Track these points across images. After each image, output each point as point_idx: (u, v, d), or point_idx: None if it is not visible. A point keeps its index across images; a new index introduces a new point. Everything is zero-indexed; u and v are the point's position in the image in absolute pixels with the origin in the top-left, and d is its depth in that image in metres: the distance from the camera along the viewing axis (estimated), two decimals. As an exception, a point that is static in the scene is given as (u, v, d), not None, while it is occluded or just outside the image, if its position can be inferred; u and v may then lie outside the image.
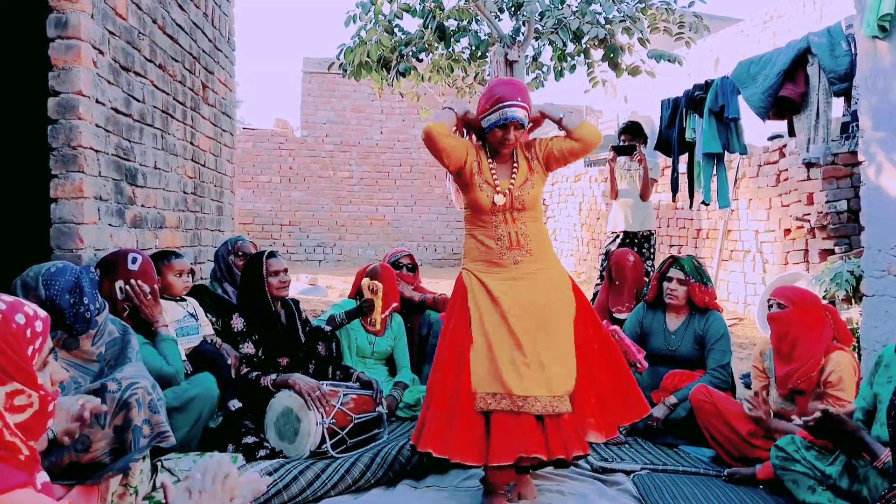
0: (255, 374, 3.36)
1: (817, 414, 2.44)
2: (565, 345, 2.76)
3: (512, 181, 2.83)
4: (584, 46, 6.64)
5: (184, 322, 3.38)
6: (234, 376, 3.34)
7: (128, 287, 2.82)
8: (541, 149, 2.90)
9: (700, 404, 3.34)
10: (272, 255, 3.54)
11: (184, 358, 3.19)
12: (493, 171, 2.84)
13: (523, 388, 2.62)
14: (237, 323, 3.47)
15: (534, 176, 2.85)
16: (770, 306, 3.16)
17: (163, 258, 3.34)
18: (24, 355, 1.25)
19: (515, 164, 2.87)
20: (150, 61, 3.89)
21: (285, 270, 3.54)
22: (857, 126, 3.95)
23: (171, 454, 2.62)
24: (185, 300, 3.48)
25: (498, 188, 2.81)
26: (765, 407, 3.00)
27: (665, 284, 3.86)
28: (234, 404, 3.24)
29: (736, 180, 7.58)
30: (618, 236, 6.11)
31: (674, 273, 3.84)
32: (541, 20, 6.35)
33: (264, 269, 3.47)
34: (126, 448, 2.08)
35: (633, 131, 6.09)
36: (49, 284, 2.19)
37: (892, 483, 1.57)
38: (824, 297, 5.20)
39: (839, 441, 2.53)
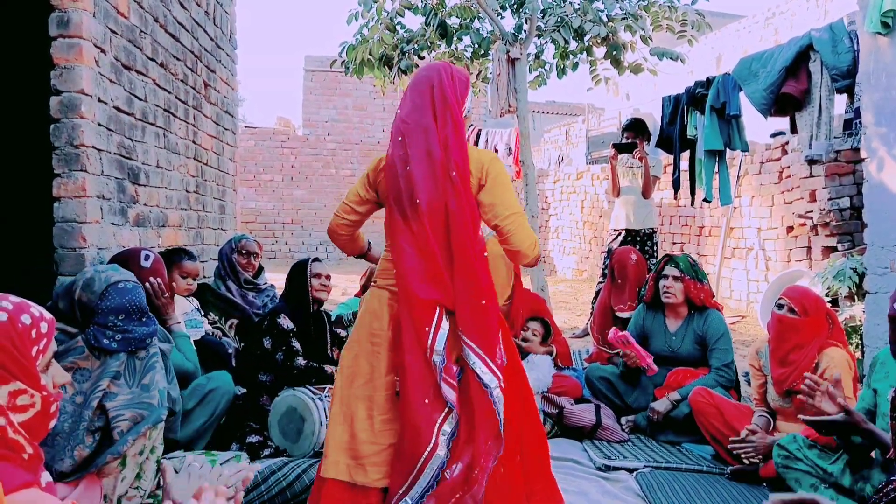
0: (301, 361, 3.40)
1: (839, 416, 2.33)
2: None
3: None
4: (586, 44, 6.62)
5: (191, 315, 3.49)
6: (234, 365, 3.48)
7: (147, 285, 2.82)
8: None
9: (699, 406, 3.34)
10: (317, 259, 3.68)
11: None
12: None
13: None
14: (286, 322, 3.49)
15: None
16: (780, 306, 3.03)
17: (174, 257, 3.38)
18: (27, 355, 1.25)
19: None
20: (152, 60, 3.88)
21: (328, 277, 3.66)
22: (860, 122, 3.94)
23: (175, 452, 2.63)
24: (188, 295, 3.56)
25: None
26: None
27: (661, 283, 3.85)
28: (239, 390, 3.31)
29: (738, 177, 7.56)
30: (620, 234, 6.10)
31: (669, 271, 3.84)
32: (543, 18, 6.34)
33: (308, 269, 3.58)
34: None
35: (635, 129, 6.09)
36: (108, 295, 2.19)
37: (889, 477, 1.56)
38: (826, 295, 5.19)
39: (846, 439, 2.51)
